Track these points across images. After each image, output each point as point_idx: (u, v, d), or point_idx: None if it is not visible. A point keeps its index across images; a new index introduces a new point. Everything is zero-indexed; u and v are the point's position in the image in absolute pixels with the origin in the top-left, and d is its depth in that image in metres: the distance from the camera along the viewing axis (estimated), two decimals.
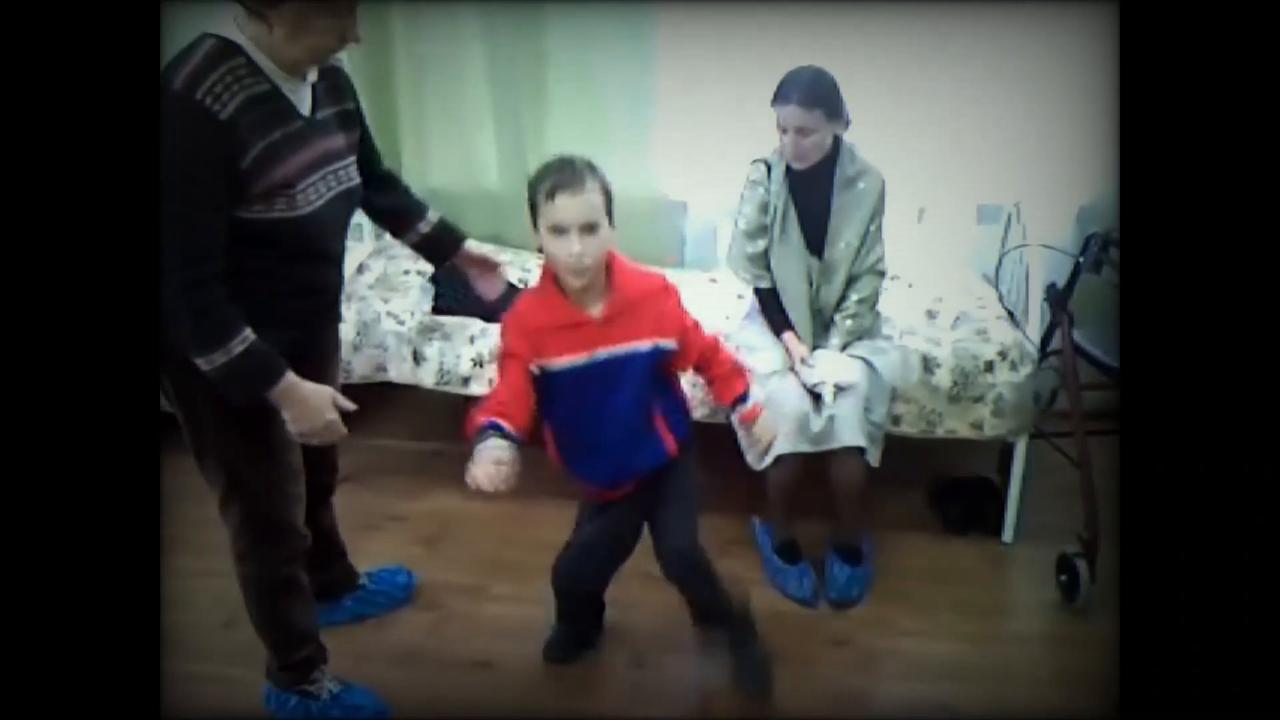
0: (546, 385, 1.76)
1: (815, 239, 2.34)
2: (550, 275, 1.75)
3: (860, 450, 2.26)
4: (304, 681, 1.97)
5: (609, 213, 1.70)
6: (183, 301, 1.55)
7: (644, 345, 1.77)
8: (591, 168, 1.69)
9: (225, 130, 1.53)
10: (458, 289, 2.75)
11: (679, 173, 3.10)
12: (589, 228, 1.66)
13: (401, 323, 2.71)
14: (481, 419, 1.65)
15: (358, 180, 1.82)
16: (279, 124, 1.61)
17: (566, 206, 1.64)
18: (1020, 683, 2.11)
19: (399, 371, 2.71)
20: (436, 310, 2.75)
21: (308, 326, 1.84)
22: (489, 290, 2.16)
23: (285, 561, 1.90)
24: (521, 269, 2.94)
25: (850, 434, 2.24)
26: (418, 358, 2.69)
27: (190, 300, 1.56)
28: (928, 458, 2.73)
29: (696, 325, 1.87)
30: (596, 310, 1.74)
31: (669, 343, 1.80)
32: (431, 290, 2.81)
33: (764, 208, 2.35)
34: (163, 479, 2.04)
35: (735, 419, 1.98)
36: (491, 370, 2.63)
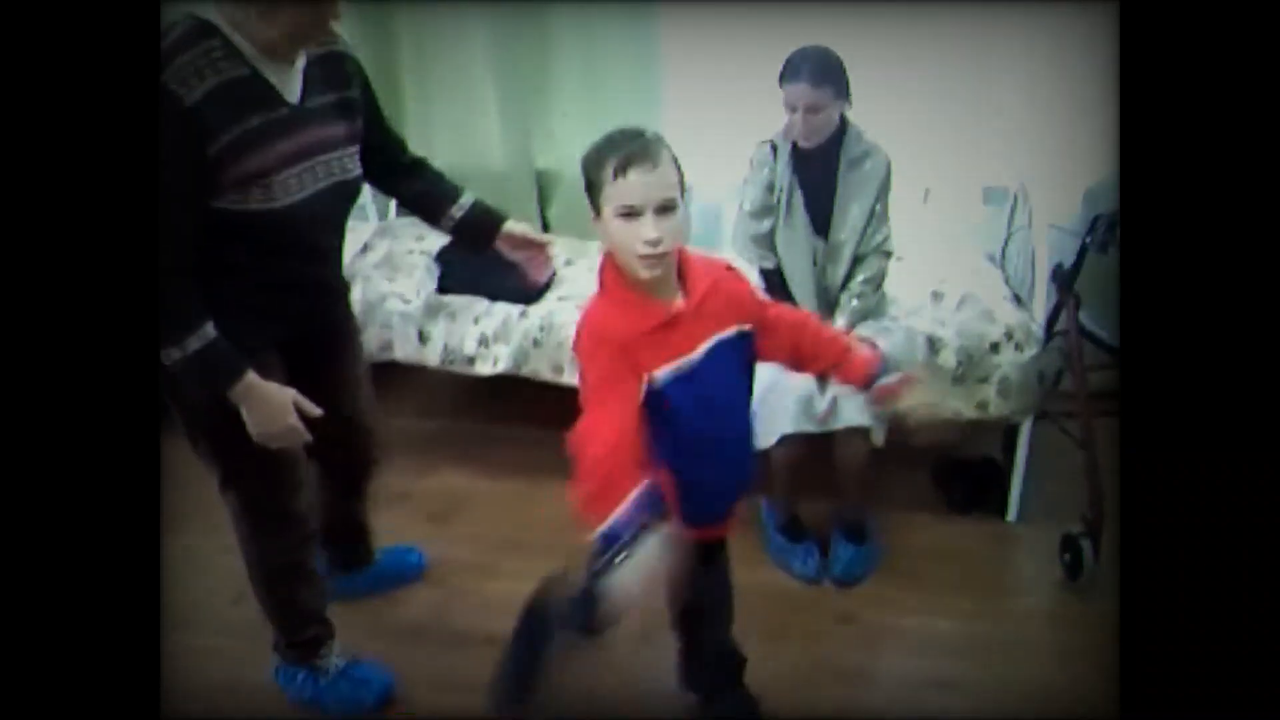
0: (656, 408, 1.46)
1: (821, 220, 2.34)
2: (615, 272, 1.49)
3: (864, 430, 2.27)
4: (312, 657, 1.99)
5: (683, 190, 1.47)
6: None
7: (731, 332, 1.54)
8: (660, 139, 1.47)
9: (190, 116, 1.46)
10: (463, 268, 2.76)
11: (684, 155, 3.10)
12: (666, 208, 1.42)
13: (407, 302, 2.71)
14: (630, 483, 1.33)
15: (356, 172, 1.74)
16: (257, 110, 1.53)
17: (640, 184, 1.40)
18: (1023, 659, 2.13)
19: (404, 351, 2.72)
20: (442, 289, 2.76)
21: (301, 321, 1.78)
22: (538, 273, 2.01)
23: (288, 548, 1.89)
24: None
25: (854, 414, 2.25)
26: (423, 337, 2.70)
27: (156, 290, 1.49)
28: (931, 438, 2.74)
29: (772, 301, 1.70)
30: (679, 302, 1.49)
31: (749, 326, 1.58)
32: (437, 269, 2.82)
33: (769, 189, 2.35)
34: (169, 457, 2.06)
35: (873, 398, 1.66)
36: (498, 349, 2.64)
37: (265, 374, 1.64)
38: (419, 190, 1.94)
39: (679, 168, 1.47)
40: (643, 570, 1.30)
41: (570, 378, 2.58)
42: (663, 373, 1.46)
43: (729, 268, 1.61)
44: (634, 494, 1.33)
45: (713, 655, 1.86)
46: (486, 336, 2.66)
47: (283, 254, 1.65)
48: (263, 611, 1.96)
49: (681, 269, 1.51)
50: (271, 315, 1.69)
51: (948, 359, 2.47)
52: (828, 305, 2.39)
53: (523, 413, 2.75)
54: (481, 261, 2.82)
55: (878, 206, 2.34)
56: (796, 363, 1.67)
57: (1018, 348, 2.47)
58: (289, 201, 1.59)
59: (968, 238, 3.01)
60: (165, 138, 1.43)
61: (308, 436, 1.68)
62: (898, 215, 2.40)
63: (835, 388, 2.24)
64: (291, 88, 1.61)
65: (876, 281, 2.39)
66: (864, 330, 2.35)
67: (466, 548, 2.44)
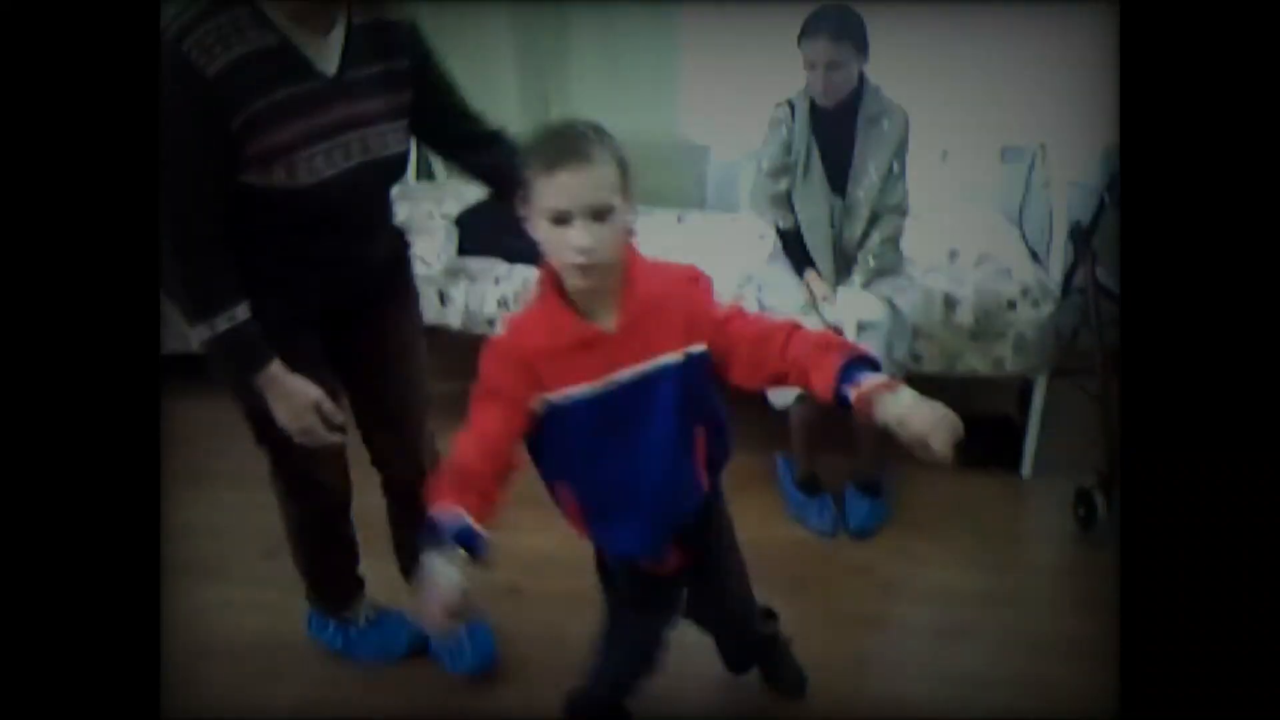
0: (556, 427, 1.36)
1: (839, 178, 2.35)
2: (551, 280, 1.35)
3: None
4: (342, 610, 2.04)
5: (625, 191, 1.30)
6: (173, 264, 1.46)
7: (674, 357, 1.36)
8: (600, 133, 1.29)
9: (209, 87, 1.38)
10: (483, 231, 2.79)
11: (702, 116, 3.11)
12: (599, 213, 1.26)
13: (428, 265, 2.75)
14: (442, 505, 1.28)
15: (396, 149, 1.62)
16: (284, 83, 1.45)
17: (570, 185, 1.25)
18: (1036, 608, 2.17)
19: (426, 313, 2.74)
20: (462, 252, 2.79)
21: (343, 300, 1.69)
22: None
23: (317, 513, 1.88)
24: None
25: None
26: (444, 299, 2.74)
27: (179, 265, 1.46)
28: (947, 395, 2.76)
29: (737, 313, 1.41)
30: (609, 321, 1.34)
31: (701, 347, 1.38)
32: (457, 232, 2.85)
33: (787, 148, 2.36)
34: (200, 413, 2.10)
35: (853, 408, 1.28)
36: (518, 310, 2.68)
37: (303, 354, 1.61)
38: (491, 164, 1.75)
39: (623, 165, 1.29)
40: (427, 593, 1.22)
41: None
42: (564, 396, 1.35)
43: (691, 277, 1.41)
44: (446, 514, 1.27)
45: (742, 647, 1.81)
46: (506, 298, 2.69)
47: (313, 232, 1.57)
48: (294, 563, 2.01)
49: (628, 280, 1.35)
50: (308, 293, 1.63)
51: (964, 317, 2.49)
52: (845, 263, 2.41)
53: None
54: (501, 224, 2.88)
55: (895, 165, 2.35)
56: (771, 379, 1.40)
57: (1034, 305, 2.48)
58: (313, 181, 1.50)
59: (986, 197, 3.01)
60: (185, 110, 1.38)
61: (332, 438, 1.62)
62: (915, 174, 2.41)
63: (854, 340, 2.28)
64: (327, 58, 1.51)
65: (894, 240, 2.40)
66: (881, 288, 2.37)
67: None
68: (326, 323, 1.69)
